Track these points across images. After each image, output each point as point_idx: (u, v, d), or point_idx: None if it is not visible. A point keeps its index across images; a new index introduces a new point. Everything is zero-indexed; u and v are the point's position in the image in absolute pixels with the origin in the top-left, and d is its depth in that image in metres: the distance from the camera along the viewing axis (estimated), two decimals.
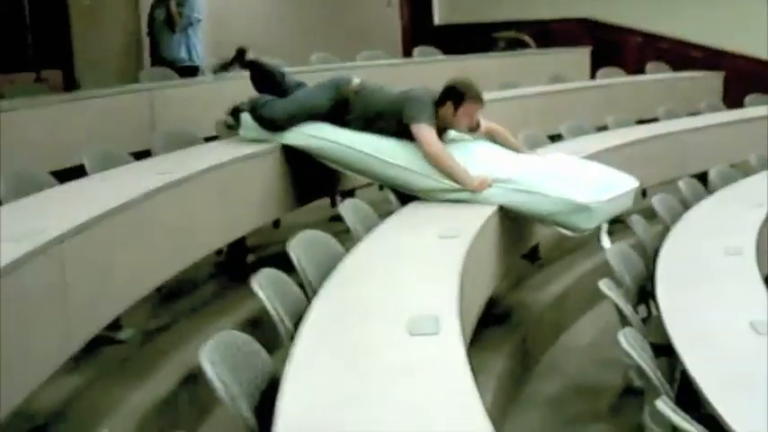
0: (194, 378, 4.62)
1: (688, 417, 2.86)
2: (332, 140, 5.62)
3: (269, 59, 6.58)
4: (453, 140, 5.62)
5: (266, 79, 6.20)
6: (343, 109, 5.68)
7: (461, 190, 5.22)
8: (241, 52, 6.31)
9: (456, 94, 5.38)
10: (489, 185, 5.18)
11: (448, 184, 5.25)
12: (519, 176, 5.17)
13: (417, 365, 3.00)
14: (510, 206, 5.18)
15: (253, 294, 5.52)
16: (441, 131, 5.50)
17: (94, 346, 4.41)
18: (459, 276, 3.89)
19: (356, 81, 5.75)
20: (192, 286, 5.92)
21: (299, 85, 6.12)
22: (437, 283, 3.85)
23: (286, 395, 2.73)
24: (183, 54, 9.20)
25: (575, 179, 5.16)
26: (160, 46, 9.24)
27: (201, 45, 9.42)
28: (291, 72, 8.82)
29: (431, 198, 5.32)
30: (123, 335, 5.02)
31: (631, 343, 3.53)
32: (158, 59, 9.25)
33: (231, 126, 6.13)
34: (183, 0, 9.20)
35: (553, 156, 5.72)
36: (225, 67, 6.45)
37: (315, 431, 2.57)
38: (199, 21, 9.40)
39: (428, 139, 5.26)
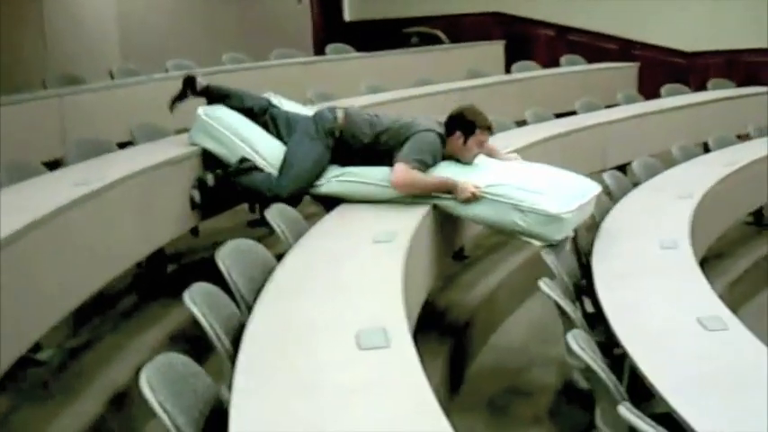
0: (122, 398, 4.44)
1: (653, 422, 2.76)
2: (348, 180, 5.35)
3: (221, 85, 6.17)
4: None
5: (223, 104, 5.91)
6: (343, 143, 5.44)
7: (448, 199, 5.09)
8: (189, 80, 6.01)
9: (466, 124, 5.23)
10: (479, 197, 5.02)
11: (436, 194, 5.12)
12: (490, 187, 5.03)
13: (372, 383, 2.86)
14: (479, 218, 5.08)
15: (174, 306, 5.44)
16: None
17: (13, 369, 4.17)
18: (402, 284, 3.76)
19: (341, 115, 5.50)
20: (110, 300, 5.68)
21: (266, 105, 5.82)
22: (380, 293, 3.72)
23: (236, 427, 2.56)
24: None
25: (544, 189, 5.02)
26: None
27: None
28: (204, 73, 8.71)
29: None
30: (43, 355, 4.78)
31: (582, 345, 3.44)
32: None
33: (196, 204, 5.63)
34: None
35: (515, 162, 5.58)
36: (177, 99, 6.03)
37: None
38: None
39: (398, 174, 5.10)
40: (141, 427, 4.29)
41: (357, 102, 7.75)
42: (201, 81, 6.02)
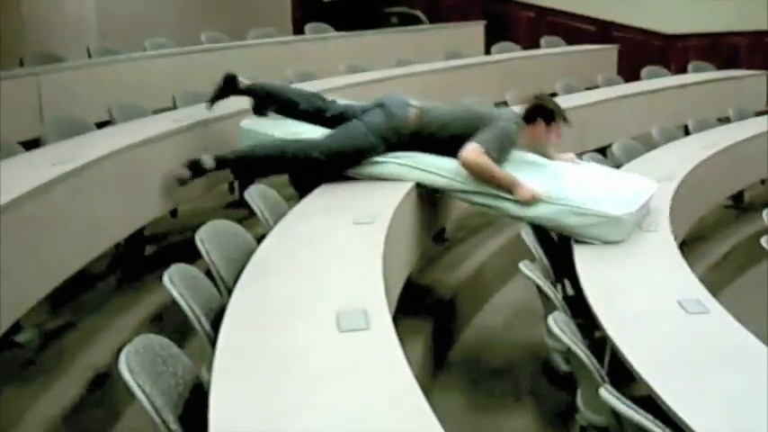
0: (102, 380, 4.42)
1: (634, 405, 2.76)
2: (408, 165, 5.27)
3: (266, 83, 5.98)
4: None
5: (271, 103, 5.78)
6: (409, 141, 5.34)
7: (508, 199, 5.00)
8: (230, 79, 5.81)
9: (547, 112, 5.24)
10: (538, 200, 4.94)
11: (496, 192, 5.03)
12: (550, 192, 4.97)
13: (352, 365, 2.86)
14: (538, 220, 4.96)
15: (154, 287, 5.42)
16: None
17: None
18: (382, 266, 3.75)
19: (413, 113, 5.38)
20: (89, 281, 5.65)
21: (320, 105, 5.69)
22: (360, 275, 3.71)
23: (216, 408, 2.55)
24: None
25: (604, 191, 4.98)
26: None
27: None
28: (181, 52, 8.67)
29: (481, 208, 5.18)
30: (23, 337, 4.74)
31: (562, 328, 3.43)
32: None
33: (183, 181, 5.48)
34: None
35: (571, 162, 5.53)
36: (217, 97, 5.85)
37: None
38: None
39: (469, 152, 4.99)
40: (122, 408, 4.27)
41: (336, 82, 7.75)
42: (243, 80, 5.84)
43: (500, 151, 5.07)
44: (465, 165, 5.02)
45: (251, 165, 5.55)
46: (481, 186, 5.04)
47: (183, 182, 5.48)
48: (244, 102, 5.88)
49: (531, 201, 4.92)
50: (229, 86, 5.82)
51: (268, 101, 5.81)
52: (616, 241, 4.77)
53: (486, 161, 4.99)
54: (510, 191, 4.97)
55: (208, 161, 5.45)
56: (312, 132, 5.52)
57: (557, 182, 5.03)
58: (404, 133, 5.34)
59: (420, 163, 5.25)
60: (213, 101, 5.87)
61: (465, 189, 5.11)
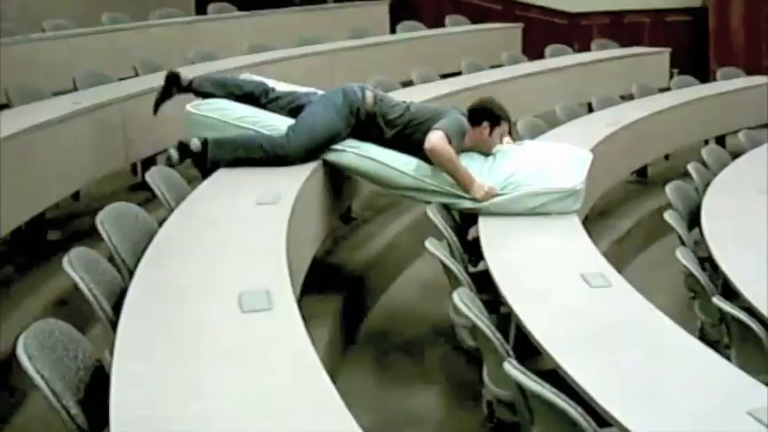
0: (5, 367, 4.31)
1: (537, 378, 2.79)
2: (367, 156, 5.20)
3: (210, 74, 5.81)
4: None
5: (220, 95, 5.55)
6: (365, 125, 5.28)
7: (464, 197, 4.98)
8: (173, 77, 5.63)
9: (492, 116, 5.15)
10: (493, 195, 4.94)
11: (453, 191, 4.99)
12: (503, 184, 4.96)
13: (254, 345, 2.85)
14: (499, 211, 4.93)
15: (57, 272, 5.30)
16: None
17: None
18: (285, 245, 3.73)
19: (370, 96, 5.33)
20: None
21: (266, 87, 5.57)
22: (263, 255, 3.69)
23: (116, 392, 2.51)
24: None
25: (552, 168, 5.01)
26: None
27: None
28: (81, 33, 8.50)
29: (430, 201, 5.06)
30: None
31: (467, 303, 3.45)
32: None
33: (173, 163, 5.24)
34: None
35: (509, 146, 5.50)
36: (162, 99, 5.62)
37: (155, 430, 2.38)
38: None
39: (438, 140, 4.91)
40: (27, 394, 4.19)
41: (239, 61, 7.68)
42: (187, 75, 5.67)
43: (458, 143, 5.03)
44: (432, 151, 4.94)
45: (228, 155, 5.27)
46: (441, 186, 5.02)
47: (170, 163, 5.29)
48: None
49: (487, 197, 4.94)
50: (173, 85, 5.65)
51: (213, 94, 5.58)
52: (573, 211, 4.89)
53: (451, 150, 4.95)
54: (466, 188, 4.96)
55: (196, 144, 5.28)
56: (260, 118, 5.40)
57: (504, 170, 5.03)
58: (362, 114, 5.28)
59: (381, 156, 5.19)
60: (158, 104, 5.67)
61: (426, 188, 5.07)
